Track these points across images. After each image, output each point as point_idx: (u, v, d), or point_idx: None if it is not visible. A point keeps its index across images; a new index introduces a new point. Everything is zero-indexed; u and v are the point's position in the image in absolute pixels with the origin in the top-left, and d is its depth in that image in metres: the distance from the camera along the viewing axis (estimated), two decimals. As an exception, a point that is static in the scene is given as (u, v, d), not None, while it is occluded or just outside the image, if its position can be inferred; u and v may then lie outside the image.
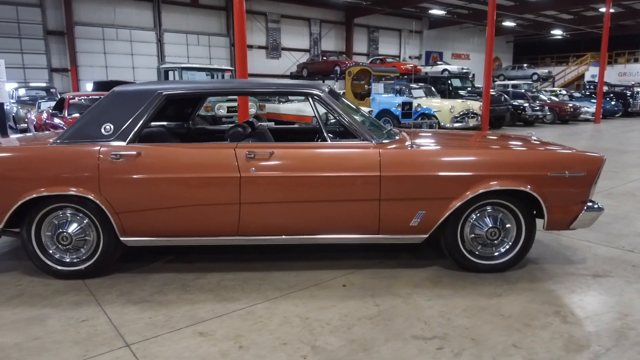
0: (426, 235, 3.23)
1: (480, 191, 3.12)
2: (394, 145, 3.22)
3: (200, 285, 3.16)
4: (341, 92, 18.86)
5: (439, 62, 29.49)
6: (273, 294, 3.02)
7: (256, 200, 3.12)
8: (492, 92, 15.82)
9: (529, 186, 3.13)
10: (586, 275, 3.31)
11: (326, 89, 3.32)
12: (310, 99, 3.29)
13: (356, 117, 3.85)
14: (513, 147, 3.44)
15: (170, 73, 10.87)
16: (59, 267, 3.23)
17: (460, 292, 3.04)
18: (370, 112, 11.34)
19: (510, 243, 3.34)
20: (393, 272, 3.38)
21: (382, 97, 12.74)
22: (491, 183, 3.13)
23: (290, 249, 3.77)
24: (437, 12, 28.30)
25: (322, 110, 3.32)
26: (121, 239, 3.17)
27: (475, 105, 13.55)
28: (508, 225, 3.31)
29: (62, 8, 20.30)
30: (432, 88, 15.05)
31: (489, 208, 3.27)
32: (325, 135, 3.23)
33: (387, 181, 3.11)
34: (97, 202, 3.07)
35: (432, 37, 33.94)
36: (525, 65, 34.41)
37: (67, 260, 3.24)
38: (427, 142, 3.52)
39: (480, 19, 27.67)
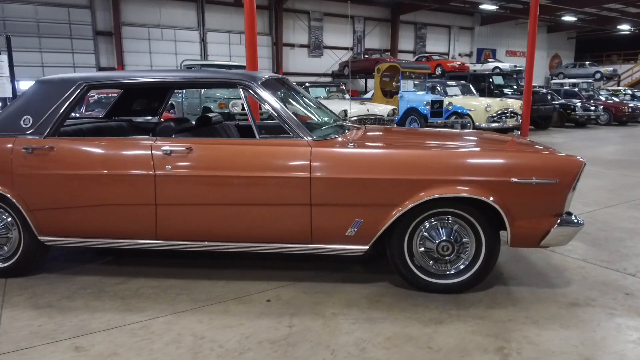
0: (366, 247, 2.81)
1: (425, 199, 2.66)
2: (330, 144, 2.82)
3: (116, 292, 2.92)
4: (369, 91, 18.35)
5: (490, 60, 28.08)
6: (184, 307, 2.72)
7: (173, 201, 2.83)
8: (538, 89, 14.71)
9: (486, 194, 2.63)
10: (561, 303, 2.75)
11: (261, 79, 2.97)
12: (240, 90, 2.95)
13: (304, 111, 3.48)
14: (469, 148, 2.93)
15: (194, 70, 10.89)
16: (-19, 265, 3.11)
17: (395, 316, 2.59)
18: (394, 110, 10.80)
19: (468, 260, 2.84)
20: (332, 286, 2.98)
21: (410, 95, 12.10)
22: (437, 189, 2.67)
23: (240, 254, 3.46)
24: (488, 7, 26.92)
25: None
26: (39, 238, 2.99)
27: (517, 104, 12.60)
28: (465, 240, 2.81)
29: (110, 9, 21.12)
30: (471, 86, 14.20)
31: (445, 218, 2.79)
32: (255, 130, 2.89)
33: (318, 184, 2.72)
34: (12, 199, 2.91)
35: (484, 33, 32.38)
36: (587, 62, 32.04)
37: (-10, 257, 3.12)
38: (375, 142, 3.08)
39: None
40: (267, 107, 2.89)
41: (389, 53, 27.25)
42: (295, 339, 2.37)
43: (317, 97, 11.35)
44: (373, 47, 27.99)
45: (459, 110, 11.98)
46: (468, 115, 12.15)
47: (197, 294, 2.88)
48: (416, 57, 27.30)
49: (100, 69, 21.55)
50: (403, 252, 2.83)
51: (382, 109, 10.69)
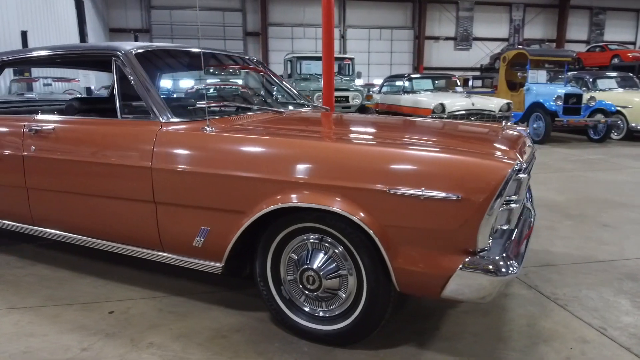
0: (220, 264, 2.13)
1: (271, 207, 1.88)
2: (183, 126, 2.22)
3: None
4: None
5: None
6: (32, 302, 2.43)
7: (38, 185, 2.57)
8: None
9: (354, 208, 1.74)
10: (476, 395, 1.70)
11: (134, 51, 2.48)
12: (113, 62, 2.51)
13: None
14: (351, 139, 2.02)
15: (289, 63, 10.81)
16: None
17: (211, 363, 1.90)
18: (509, 105, 9.09)
19: (347, 302, 1.96)
20: (199, 308, 2.38)
21: (540, 88, 10.05)
22: (291, 196, 1.86)
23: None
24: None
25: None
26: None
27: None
28: (343, 272, 1.94)
29: (259, 11, 22.67)
30: (635, 78, 11.29)
31: (319, 237, 1.97)
32: (118, 108, 2.42)
33: (159, 176, 2.15)
34: None
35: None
36: None
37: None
38: (247, 126, 2.33)
39: None
40: (134, 81, 2.41)
41: (554, 44, 23.75)
42: (65, 368, 1.88)
43: (422, 90, 10.28)
44: (533, 37, 24.71)
45: (605, 108, 9.57)
46: (619, 113, 9.67)
47: (63, 291, 2.57)
48: (588, 47, 23.23)
49: (248, 67, 23.28)
50: (266, 278, 2.09)
51: (494, 103, 9.11)
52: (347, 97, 9.30)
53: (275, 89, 3.72)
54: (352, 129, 2.53)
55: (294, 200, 1.83)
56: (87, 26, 18.42)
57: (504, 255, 1.66)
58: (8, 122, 2.71)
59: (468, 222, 1.61)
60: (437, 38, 24.48)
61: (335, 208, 1.76)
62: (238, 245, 2.05)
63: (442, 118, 8.79)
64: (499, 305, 2.40)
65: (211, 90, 3.31)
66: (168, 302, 2.46)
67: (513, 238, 1.85)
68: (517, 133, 2.37)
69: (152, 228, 2.25)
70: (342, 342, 1.99)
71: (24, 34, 10.25)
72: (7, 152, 2.63)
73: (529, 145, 2.23)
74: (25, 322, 2.24)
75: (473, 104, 8.94)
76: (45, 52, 2.78)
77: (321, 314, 2.02)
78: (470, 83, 20.50)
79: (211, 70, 3.26)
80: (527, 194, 2.73)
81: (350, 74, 10.82)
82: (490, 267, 1.61)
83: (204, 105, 2.26)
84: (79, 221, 2.52)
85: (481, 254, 1.65)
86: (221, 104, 2.80)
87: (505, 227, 1.82)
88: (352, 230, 1.81)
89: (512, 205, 1.79)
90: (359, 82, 11.32)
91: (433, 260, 1.69)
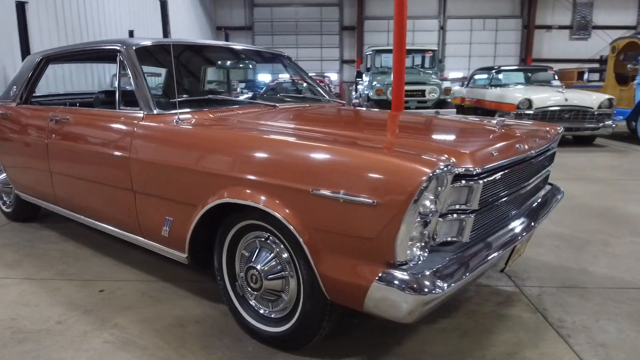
0: (184, 255, 2.17)
1: (215, 202, 1.87)
2: (158, 120, 2.28)
3: (24, 246, 3.15)
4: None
5: None
6: (40, 275, 2.70)
7: (56, 169, 2.84)
8: None
9: (280, 207, 1.66)
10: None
11: (136, 45, 2.59)
12: (117, 57, 2.65)
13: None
14: (293, 135, 1.89)
15: (369, 56, 10.56)
16: None
17: (165, 351, 1.94)
18: (610, 101, 7.96)
19: (289, 304, 1.87)
20: (181, 295, 2.45)
21: (656, 82, 8.65)
22: (227, 192, 1.83)
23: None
24: None
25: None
26: (15, 191, 3.48)
27: None
28: (285, 274, 1.85)
29: (355, 5, 22.59)
30: None
31: (265, 235, 1.92)
32: (117, 100, 2.56)
33: (135, 166, 2.25)
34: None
35: None
36: None
37: None
38: (217, 120, 2.30)
39: None
40: (130, 76, 2.53)
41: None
42: (42, 334, 2.05)
43: (511, 83, 9.47)
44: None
45: None
46: None
47: (75, 268, 2.82)
48: None
49: (343, 61, 23.43)
50: (222, 272, 2.08)
51: (593, 99, 8.08)
52: (423, 91, 8.88)
53: (301, 84, 3.68)
54: (317, 124, 2.37)
55: (226, 196, 1.80)
56: (197, 25, 19.92)
57: (429, 272, 1.45)
58: (42, 112, 3.02)
59: (385, 230, 1.43)
60: (549, 27, 22.34)
61: (262, 206, 1.69)
62: (204, 237, 2.07)
63: (528, 115, 8.01)
64: (483, 326, 2.13)
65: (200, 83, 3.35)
66: (154, 286, 2.57)
67: (463, 253, 1.61)
68: (498, 129, 2.06)
69: (133, 215, 2.36)
70: (284, 345, 1.91)
71: (130, 33, 11.39)
72: (37, 138, 2.94)
73: (516, 145, 1.91)
74: (29, 293, 2.50)
75: (566, 100, 8.01)
76: (69, 49, 3.06)
77: (267, 314, 1.96)
78: (585, 76, 18.42)
79: (220, 64, 3.31)
80: (548, 199, 2.38)
81: (433, 66, 10.31)
82: (405, 283, 1.42)
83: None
84: (82, 203, 2.74)
85: (403, 267, 1.46)
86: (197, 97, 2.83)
87: (453, 238, 1.60)
88: (289, 231, 1.73)
89: (462, 216, 1.57)
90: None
91: (354, 269, 1.53)
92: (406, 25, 7.72)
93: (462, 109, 10.69)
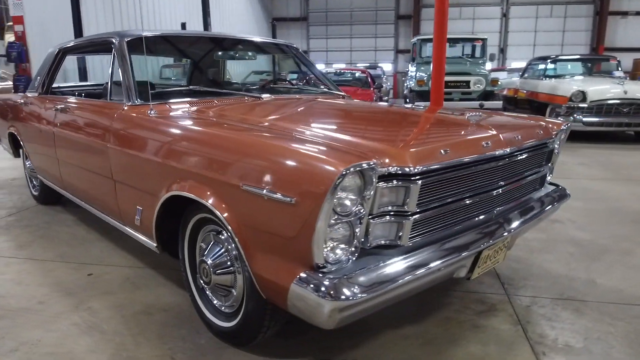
0: (155, 244, 2.20)
1: (169, 194, 1.88)
2: (135, 111, 2.31)
3: (40, 226, 3.35)
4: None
5: None
6: (42, 256, 2.87)
7: (61, 157, 2.98)
8: None
9: (210, 198, 1.64)
10: None
11: (129, 37, 2.63)
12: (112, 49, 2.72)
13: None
14: (240, 128, 1.84)
15: (414, 46, 10.19)
16: None
17: (122, 338, 1.99)
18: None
19: (238, 300, 1.85)
20: (162, 284, 2.50)
21: None
22: (174, 185, 1.84)
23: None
24: None
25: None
26: (38, 176, 3.71)
27: None
28: (232, 268, 1.83)
29: (412, -7, 21.95)
30: None
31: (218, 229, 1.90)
32: (109, 91, 2.63)
33: (113, 156, 2.32)
34: (17, 136, 3.71)
35: None
36: None
37: None
38: (183, 111, 2.30)
39: None
40: (121, 69, 2.59)
41: None
42: (20, 313, 2.17)
43: (568, 74, 8.81)
44: None
45: None
46: None
47: (76, 251, 2.95)
48: None
49: (398, 51, 22.93)
50: (185, 264, 2.09)
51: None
52: (467, 82, 8.46)
53: (304, 75, 3.61)
54: (276, 117, 2.28)
55: (175, 189, 1.80)
56: (252, 16, 20.24)
57: (348, 277, 1.36)
58: (53, 102, 3.18)
59: (303, 230, 1.36)
60: (624, 13, 20.52)
61: (204, 200, 1.67)
62: (171, 227, 2.09)
63: (582, 109, 7.42)
64: (451, 336, 1.99)
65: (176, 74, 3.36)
66: (140, 273, 2.64)
67: (400, 258, 1.50)
68: (471, 124, 1.89)
69: (115, 203, 2.43)
70: (234, 341, 1.89)
71: (183, 25, 11.78)
72: (47, 126, 3.10)
73: (481, 143, 1.74)
74: (26, 272, 2.66)
75: (625, 93, 7.32)
76: (80, 42, 3.19)
77: (220, 308, 1.95)
78: (664, 66, 16.82)
79: (220, 55, 3.29)
80: (544, 202, 2.18)
81: (483, 56, 9.79)
82: (320, 287, 1.33)
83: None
84: (79, 190, 2.88)
85: (324, 269, 1.38)
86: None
87: (390, 242, 1.49)
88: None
89: (399, 218, 1.46)
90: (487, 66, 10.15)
91: (278, 269, 1.47)
92: (447, 13, 7.36)
93: (514, 102, 10.10)
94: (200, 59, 3.41)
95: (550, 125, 2.26)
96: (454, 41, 10.09)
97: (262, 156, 1.50)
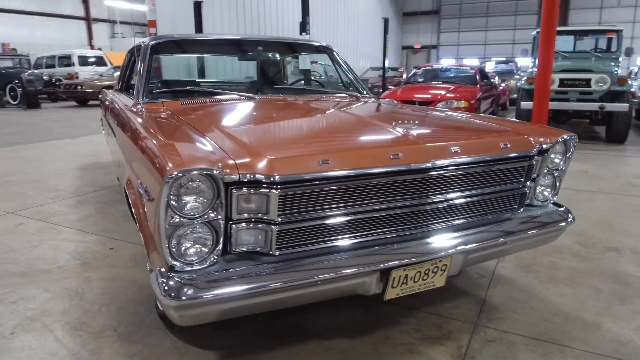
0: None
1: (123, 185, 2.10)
2: (137, 107, 2.58)
3: (99, 200, 3.89)
4: None
5: None
6: (87, 228, 3.36)
7: (111, 144, 3.45)
8: None
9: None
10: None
11: (152, 42, 2.93)
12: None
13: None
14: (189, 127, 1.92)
15: (535, 39, 9.06)
16: None
17: (99, 317, 2.29)
18: None
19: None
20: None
21: None
22: (126, 179, 2.05)
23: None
24: None
25: None
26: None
27: None
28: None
29: (561, -21, 19.60)
30: None
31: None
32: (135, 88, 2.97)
33: (122, 144, 2.64)
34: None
35: None
36: None
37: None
38: (170, 110, 2.45)
39: None
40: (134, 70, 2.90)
41: None
42: (36, 274, 2.62)
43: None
44: None
45: None
46: None
47: (116, 227, 3.41)
48: None
49: (539, 44, 20.74)
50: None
51: None
52: (588, 81, 7.34)
53: (334, 75, 3.57)
54: (224, 116, 2.34)
55: (123, 182, 2.00)
56: (379, 12, 20.23)
57: (188, 278, 1.39)
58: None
59: (155, 227, 1.43)
60: None
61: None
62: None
63: None
64: (375, 357, 1.86)
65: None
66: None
67: (267, 266, 1.47)
68: (402, 133, 1.71)
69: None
70: (166, 324, 2.04)
71: (301, 25, 12.34)
72: (111, 118, 3.60)
73: (388, 154, 1.57)
74: (64, 240, 3.15)
75: None
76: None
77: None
78: None
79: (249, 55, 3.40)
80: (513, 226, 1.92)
81: (616, 50, 8.38)
82: (164, 285, 1.39)
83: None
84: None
85: (176, 268, 1.44)
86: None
87: (258, 248, 1.49)
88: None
89: (264, 226, 1.45)
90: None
91: (155, 263, 1.57)
92: (558, 2, 6.54)
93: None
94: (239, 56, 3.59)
95: (536, 137, 1.94)
96: (582, 33, 8.85)
97: (147, 152, 1.61)
